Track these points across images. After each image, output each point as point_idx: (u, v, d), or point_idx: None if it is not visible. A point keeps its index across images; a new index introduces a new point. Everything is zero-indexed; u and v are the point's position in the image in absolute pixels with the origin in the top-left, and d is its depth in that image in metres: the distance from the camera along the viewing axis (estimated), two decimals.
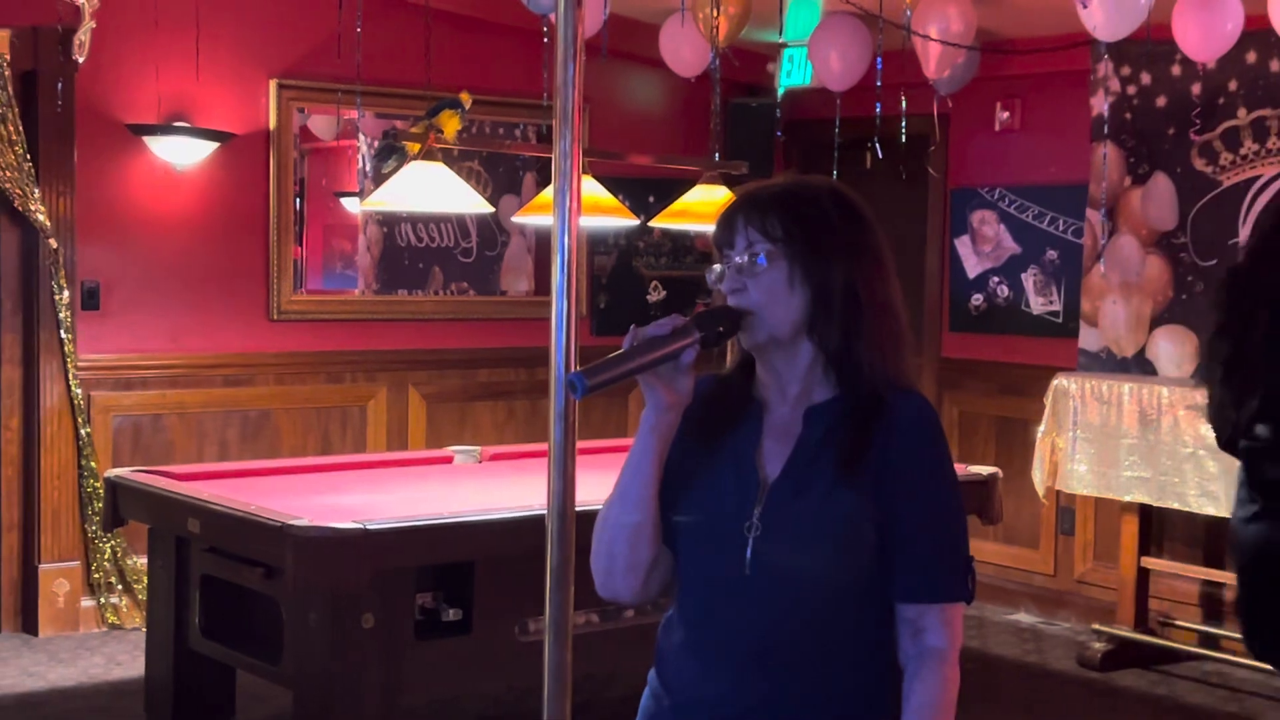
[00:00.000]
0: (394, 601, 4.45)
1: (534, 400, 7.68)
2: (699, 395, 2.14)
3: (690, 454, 2.14)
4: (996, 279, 7.51)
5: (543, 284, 7.67)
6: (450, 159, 6.44)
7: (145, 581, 5.91)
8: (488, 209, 5.63)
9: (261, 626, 4.83)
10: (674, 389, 2.08)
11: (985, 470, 5.74)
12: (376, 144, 6.65)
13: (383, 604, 4.41)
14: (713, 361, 2.24)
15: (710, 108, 7.07)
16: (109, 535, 6.47)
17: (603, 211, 5.40)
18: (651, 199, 7.52)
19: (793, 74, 7.63)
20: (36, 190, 6.36)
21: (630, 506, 2.12)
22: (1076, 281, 6.89)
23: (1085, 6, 5.08)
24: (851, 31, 5.95)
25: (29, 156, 6.33)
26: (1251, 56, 6.11)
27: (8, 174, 6.29)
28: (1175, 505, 6.06)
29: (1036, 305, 7.35)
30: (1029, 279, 7.37)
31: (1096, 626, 6.57)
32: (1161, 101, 6.45)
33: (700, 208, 5.63)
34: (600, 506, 2.17)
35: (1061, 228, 7.22)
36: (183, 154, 6.71)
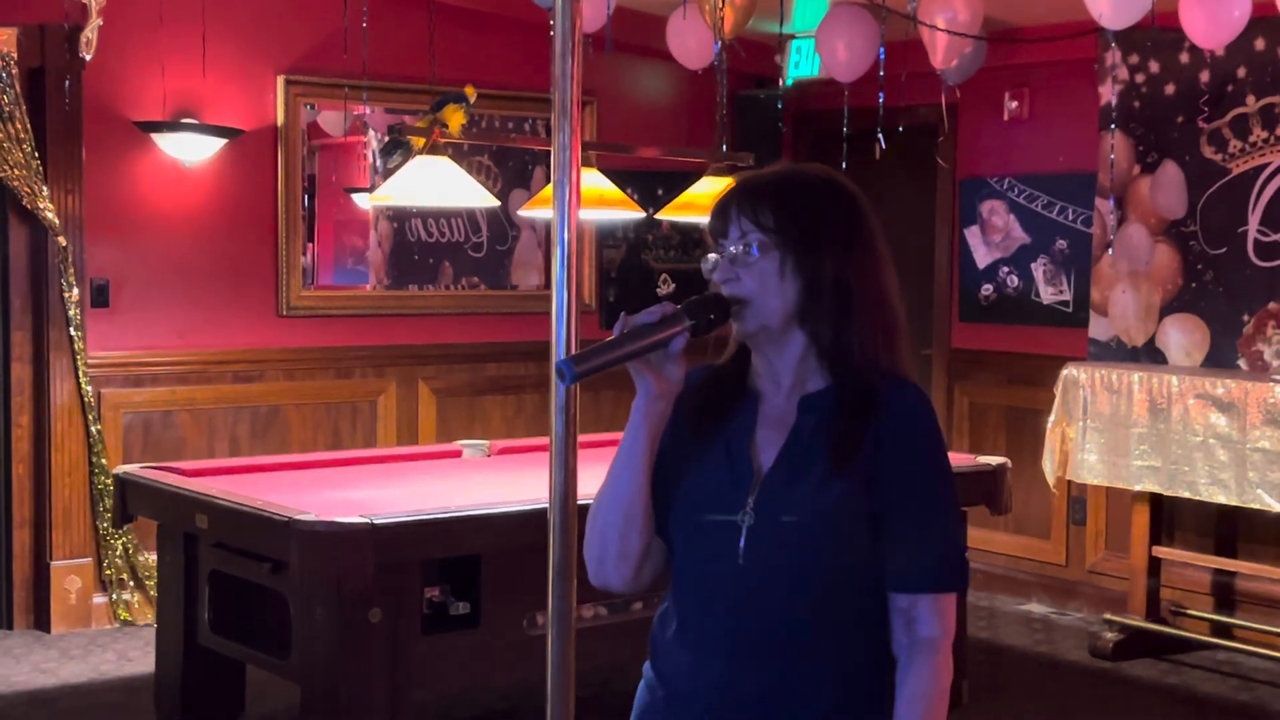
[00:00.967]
0: (402, 595, 4.45)
1: (543, 394, 7.67)
2: (693, 385, 2.14)
3: (684, 444, 2.14)
4: (1006, 269, 7.49)
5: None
6: (460, 154, 6.46)
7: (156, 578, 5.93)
8: (493, 203, 5.62)
9: (270, 621, 4.84)
10: (664, 376, 2.08)
11: (994, 460, 5.71)
12: (383, 139, 6.66)
13: (390, 598, 4.40)
14: (710, 352, 2.24)
15: (717, 99, 7.05)
16: (120, 532, 6.50)
17: (608, 204, 5.39)
18: (660, 191, 7.51)
19: (800, 65, 7.63)
20: (45, 188, 6.37)
21: (621, 495, 2.12)
22: (1086, 271, 6.87)
23: None
24: (858, 22, 5.94)
25: (37, 154, 6.34)
26: (1260, 43, 6.08)
27: (16, 172, 6.30)
28: (1186, 494, 6.03)
29: (1046, 295, 7.33)
30: (1038, 269, 7.35)
31: (1108, 616, 6.56)
32: (1170, 89, 6.42)
33: (706, 200, 5.60)
34: None
35: (1071, 217, 7.19)
36: (191, 151, 6.72)
